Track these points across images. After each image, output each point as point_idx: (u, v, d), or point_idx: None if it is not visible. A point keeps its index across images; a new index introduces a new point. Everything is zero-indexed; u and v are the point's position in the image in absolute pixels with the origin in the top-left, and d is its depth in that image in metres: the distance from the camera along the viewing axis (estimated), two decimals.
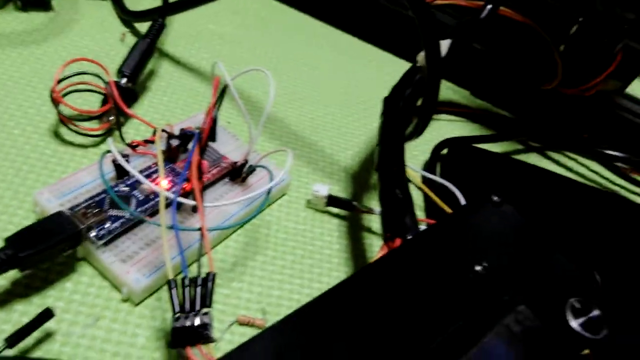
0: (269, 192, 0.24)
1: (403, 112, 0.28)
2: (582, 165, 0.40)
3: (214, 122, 0.26)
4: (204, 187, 0.25)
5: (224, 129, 0.30)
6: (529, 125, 0.40)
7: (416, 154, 0.34)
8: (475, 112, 0.40)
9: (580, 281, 0.19)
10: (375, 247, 0.27)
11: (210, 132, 0.26)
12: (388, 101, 0.29)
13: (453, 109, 0.40)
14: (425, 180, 0.31)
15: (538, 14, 0.37)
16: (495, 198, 0.21)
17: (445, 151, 0.34)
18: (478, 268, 0.18)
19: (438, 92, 0.26)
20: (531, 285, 0.18)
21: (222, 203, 0.24)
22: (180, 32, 0.37)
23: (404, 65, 0.29)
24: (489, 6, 0.32)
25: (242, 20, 0.41)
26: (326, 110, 0.36)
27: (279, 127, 0.33)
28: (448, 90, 0.42)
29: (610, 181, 0.39)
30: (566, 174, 0.38)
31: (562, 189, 0.35)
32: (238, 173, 0.26)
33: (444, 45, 0.30)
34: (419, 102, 0.28)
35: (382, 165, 0.25)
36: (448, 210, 0.28)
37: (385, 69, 0.42)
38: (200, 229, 0.21)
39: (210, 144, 0.28)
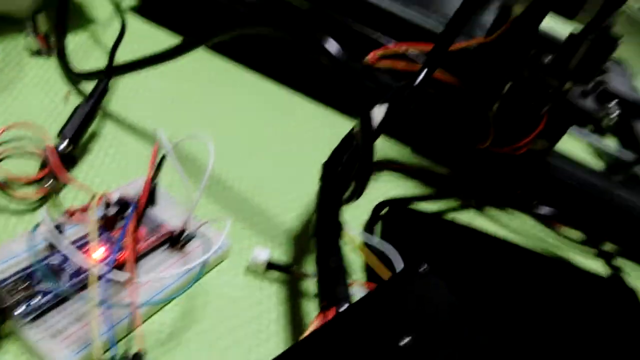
0: (204, 263, 0.24)
1: (341, 177, 0.29)
2: (517, 219, 0.42)
3: (152, 190, 0.27)
4: (141, 256, 0.25)
5: (166, 192, 0.30)
6: (466, 183, 0.42)
7: (359, 213, 0.35)
8: (415, 170, 0.42)
9: (502, 353, 0.20)
10: (313, 313, 0.27)
11: (149, 198, 0.27)
12: (327, 166, 0.30)
13: (395, 166, 0.41)
14: (366, 242, 0.32)
15: (471, 77, 0.39)
16: (423, 268, 0.22)
17: (385, 211, 0.35)
18: (403, 342, 0.19)
19: (372, 159, 0.27)
20: (454, 358, 0.19)
21: (156, 276, 0.24)
22: (125, 92, 0.38)
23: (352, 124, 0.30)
24: (425, 71, 0.34)
25: (188, 80, 0.42)
26: (271, 171, 0.36)
27: (222, 189, 0.33)
28: (389, 149, 0.43)
29: (543, 235, 0.41)
30: (501, 229, 0.40)
31: (494, 251, 0.37)
32: (176, 240, 0.26)
33: (381, 110, 0.32)
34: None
35: (319, 231, 0.26)
36: (386, 274, 0.28)
37: (335, 129, 0.43)
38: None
39: (151, 209, 0.28)
